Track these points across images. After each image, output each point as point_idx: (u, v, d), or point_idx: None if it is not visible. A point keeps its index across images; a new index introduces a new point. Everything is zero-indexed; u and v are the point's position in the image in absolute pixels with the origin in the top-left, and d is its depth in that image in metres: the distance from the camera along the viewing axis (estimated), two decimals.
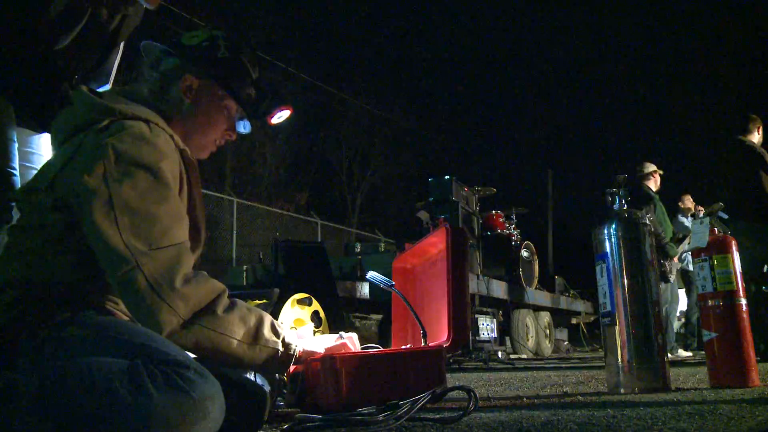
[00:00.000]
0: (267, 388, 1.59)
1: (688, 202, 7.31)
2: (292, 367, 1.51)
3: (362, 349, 1.72)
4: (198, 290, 1.28)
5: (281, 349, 1.41)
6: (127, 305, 1.30)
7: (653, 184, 6.30)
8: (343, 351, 1.62)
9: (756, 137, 5.68)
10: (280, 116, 1.80)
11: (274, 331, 1.41)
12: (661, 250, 5.96)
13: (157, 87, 1.50)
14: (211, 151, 1.59)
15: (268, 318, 1.41)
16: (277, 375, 1.69)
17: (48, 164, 1.40)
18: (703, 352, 2.64)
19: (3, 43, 1.88)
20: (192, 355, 1.27)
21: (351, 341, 1.67)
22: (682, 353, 6.28)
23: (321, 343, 1.61)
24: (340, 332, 1.68)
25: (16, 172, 1.94)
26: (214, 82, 1.52)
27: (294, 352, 1.46)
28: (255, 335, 1.36)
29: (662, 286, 6.10)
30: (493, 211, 8.22)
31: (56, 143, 1.43)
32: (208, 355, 1.31)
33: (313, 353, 1.55)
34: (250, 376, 1.58)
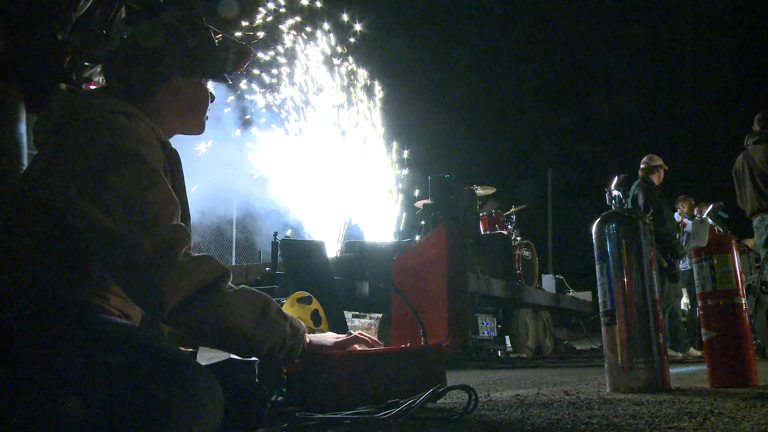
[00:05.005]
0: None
1: (687, 203, 7.31)
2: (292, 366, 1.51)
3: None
4: (201, 267, 1.26)
5: (288, 331, 1.38)
6: (127, 287, 1.28)
7: (657, 178, 6.28)
8: (353, 346, 1.60)
9: None
10: (245, 65, 1.71)
11: (281, 314, 1.39)
12: (670, 249, 5.94)
13: (139, 93, 1.46)
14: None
15: (274, 302, 1.39)
16: (277, 373, 1.68)
17: (32, 165, 1.39)
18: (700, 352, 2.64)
19: (16, 30, 1.88)
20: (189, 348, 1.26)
21: (371, 339, 1.66)
22: (694, 352, 6.21)
23: (329, 338, 1.60)
24: (360, 332, 1.67)
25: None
26: (194, 74, 1.51)
27: (303, 337, 1.43)
28: (261, 315, 1.33)
29: (669, 285, 6.06)
30: (493, 211, 8.23)
31: (38, 144, 1.42)
32: (213, 335, 1.29)
33: (321, 346, 1.54)
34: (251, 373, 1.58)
